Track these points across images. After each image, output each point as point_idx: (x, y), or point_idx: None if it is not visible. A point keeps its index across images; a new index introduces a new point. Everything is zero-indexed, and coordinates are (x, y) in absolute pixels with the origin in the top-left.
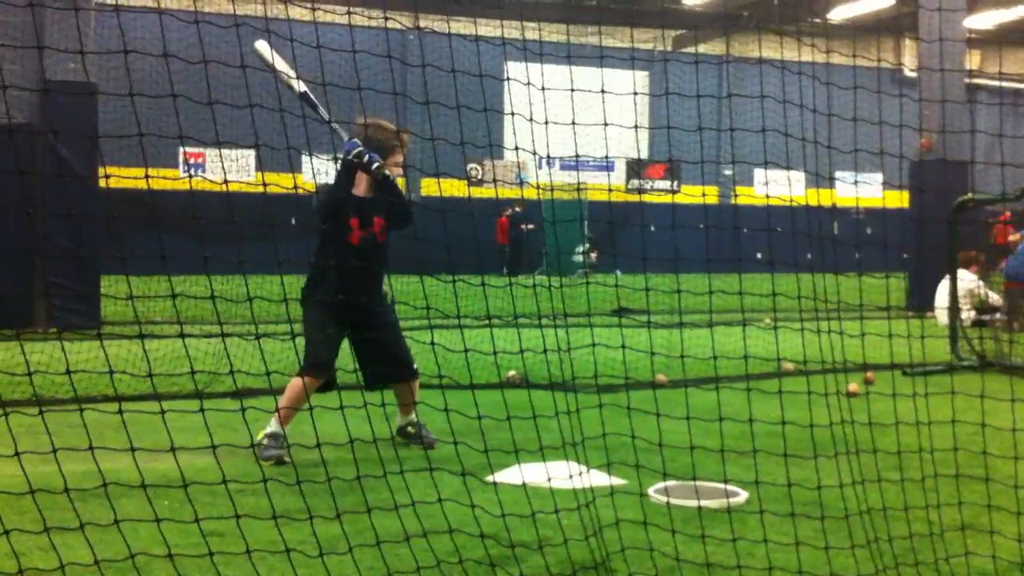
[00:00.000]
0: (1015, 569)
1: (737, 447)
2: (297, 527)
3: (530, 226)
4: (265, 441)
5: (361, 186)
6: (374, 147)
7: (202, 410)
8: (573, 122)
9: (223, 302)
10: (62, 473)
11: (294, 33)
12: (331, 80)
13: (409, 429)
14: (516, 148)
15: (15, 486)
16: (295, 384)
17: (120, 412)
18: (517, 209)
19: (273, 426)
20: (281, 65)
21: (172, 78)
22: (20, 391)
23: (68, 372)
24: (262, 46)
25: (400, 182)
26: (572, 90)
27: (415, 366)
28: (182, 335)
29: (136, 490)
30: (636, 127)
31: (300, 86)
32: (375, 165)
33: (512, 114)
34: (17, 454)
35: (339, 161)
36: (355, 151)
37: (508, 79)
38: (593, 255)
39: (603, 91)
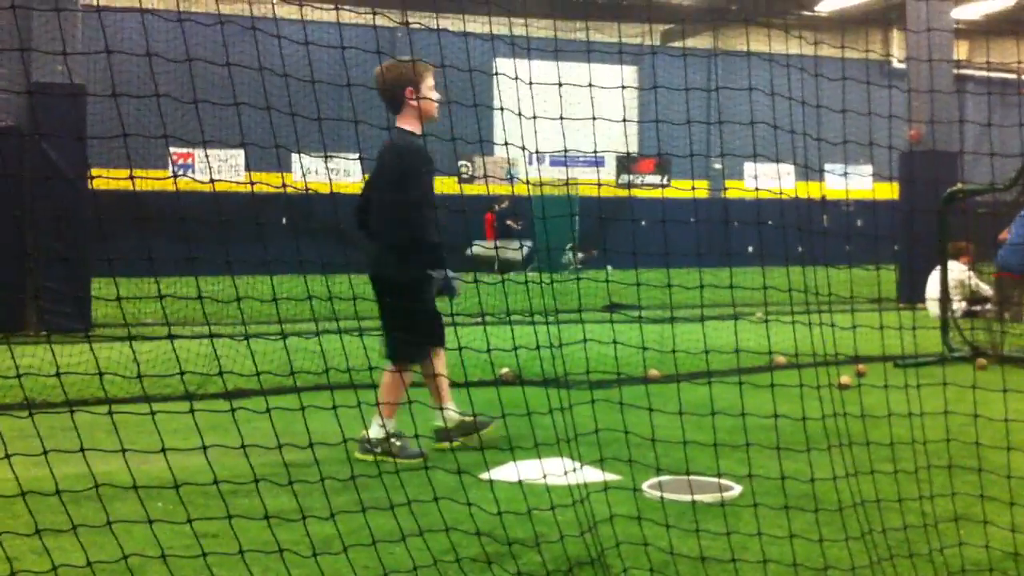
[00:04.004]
0: (1008, 559)
1: (730, 441)
2: (291, 527)
3: (517, 225)
4: (398, 442)
5: (416, 124)
6: (403, 84)
7: (192, 411)
8: (561, 117)
9: (212, 303)
10: (54, 476)
11: (281, 31)
12: (319, 78)
13: (466, 418)
14: (506, 143)
15: (6, 489)
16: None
17: (110, 413)
18: (503, 204)
19: (389, 425)
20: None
21: (159, 79)
22: (11, 395)
23: (58, 374)
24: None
25: (432, 108)
26: (559, 84)
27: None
28: (171, 336)
29: (128, 492)
30: (624, 120)
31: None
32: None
33: (501, 109)
34: (8, 456)
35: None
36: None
37: (496, 74)
38: (580, 255)
39: (591, 85)
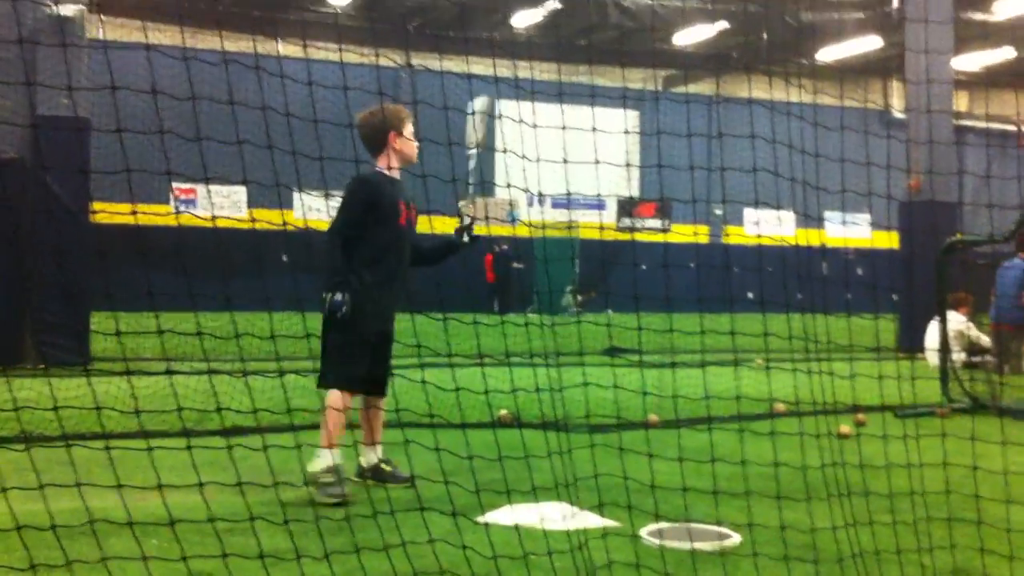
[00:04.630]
0: None
1: (730, 488)
2: (285, 567)
3: (519, 265)
4: (331, 478)
5: (394, 164)
6: (387, 128)
7: (189, 448)
8: (564, 160)
9: (211, 339)
10: (49, 510)
11: (285, 70)
12: (322, 117)
13: (384, 467)
14: (508, 185)
15: (2, 523)
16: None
17: (107, 449)
18: (504, 247)
19: (333, 458)
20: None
21: (164, 114)
22: (8, 428)
23: (56, 408)
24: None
25: (413, 149)
26: (563, 128)
27: None
28: (169, 372)
29: (123, 528)
30: (628, 165)
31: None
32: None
33: (504, 151)
34: (3, 490)
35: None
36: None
37: (500, 116)
38: (579, 297)
39: (594, 129)
